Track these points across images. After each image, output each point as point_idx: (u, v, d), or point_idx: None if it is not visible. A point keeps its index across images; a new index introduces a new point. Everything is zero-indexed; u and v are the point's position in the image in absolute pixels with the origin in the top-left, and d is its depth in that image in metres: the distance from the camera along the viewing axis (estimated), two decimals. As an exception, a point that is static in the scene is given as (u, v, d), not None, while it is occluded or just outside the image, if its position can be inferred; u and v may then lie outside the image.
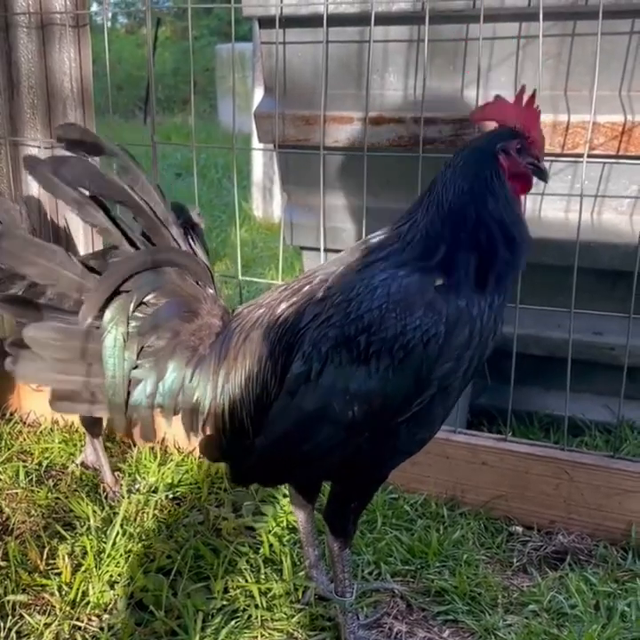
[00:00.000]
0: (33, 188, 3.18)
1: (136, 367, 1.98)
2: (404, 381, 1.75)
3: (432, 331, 1.73)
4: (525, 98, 1.92)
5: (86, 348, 1.97)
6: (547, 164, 2.64)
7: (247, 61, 7.02)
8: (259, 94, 6.51)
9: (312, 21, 2.82)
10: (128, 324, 1.96)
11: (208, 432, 2.02)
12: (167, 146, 6.73)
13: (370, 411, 1.77)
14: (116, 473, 2.85)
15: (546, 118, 2.55)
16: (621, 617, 2.14)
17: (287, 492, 2.66)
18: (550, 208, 2.79)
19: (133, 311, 1.97)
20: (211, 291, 2.08)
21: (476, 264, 1.79)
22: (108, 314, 1.95)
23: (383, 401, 1.76)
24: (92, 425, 2.80)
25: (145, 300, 1.99)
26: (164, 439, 3.04)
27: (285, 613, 2.17)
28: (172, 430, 2.98)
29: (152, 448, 3.00)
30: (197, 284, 2.07)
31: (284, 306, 1.92)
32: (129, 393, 1.99)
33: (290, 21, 2.87)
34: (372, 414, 1.78)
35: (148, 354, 1.98)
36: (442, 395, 1.81)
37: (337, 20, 2.77)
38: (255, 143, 6.26)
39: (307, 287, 1.92)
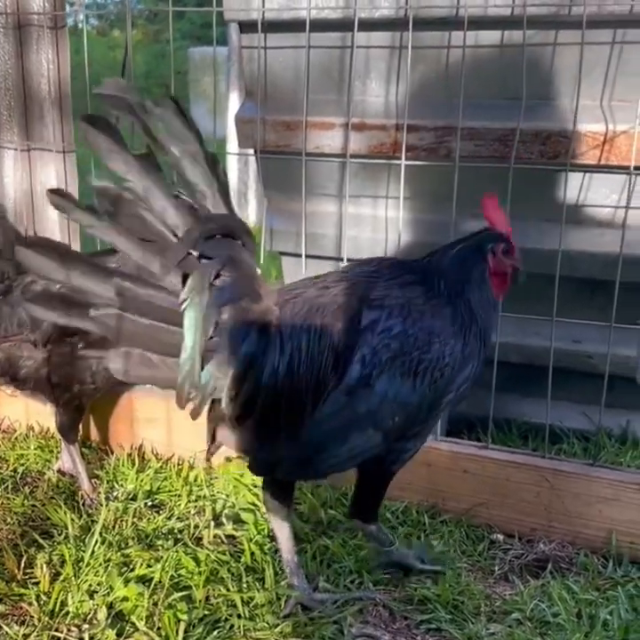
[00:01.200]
0: (9, 187, 3.15)
1: (210, 339, 1.91)
2: (433, 398, 2.01)
3: (458, 360, 2.02)
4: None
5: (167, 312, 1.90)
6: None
7: (221, 65, 7.00)
8: (233, 98, 6.51)
9: (294, 26, 2.81)
10: (209, 293, 1.89)
11: (253, 420, 1.98)
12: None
13: (405, 420, 2.00)
14: (93, 480, 2.82)
15: (527, 127, 2.58)
16: (603, 625, 2.14)
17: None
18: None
19: (213, 280, 1.91)
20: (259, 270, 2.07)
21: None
22: (189, 282, 1.88)
23: (416, 413, 2.01)
24: (68, 431, 2.76)
25: (222, 270, 1.92)
26: (141, 446, 3.01)
27: (268, 623, 2.15)
28: (150, 436, 2.99)
29: (130, 454, 2.97)
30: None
31: (329, 299, 2.01)
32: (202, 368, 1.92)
33: (272, 26, 2.86)
34: (405, 423, 2.01)
35: (223, 328, 1.92)
36: (435, 419, 2.13)
37: (319, 26, 2.76)
38: (230, 147, 6.28)
39: (344, 284, 2.04)
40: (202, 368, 1.92)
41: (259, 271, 2.05)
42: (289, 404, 1.96)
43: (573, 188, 2.67)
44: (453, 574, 2.35)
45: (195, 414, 2.04)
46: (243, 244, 2.00)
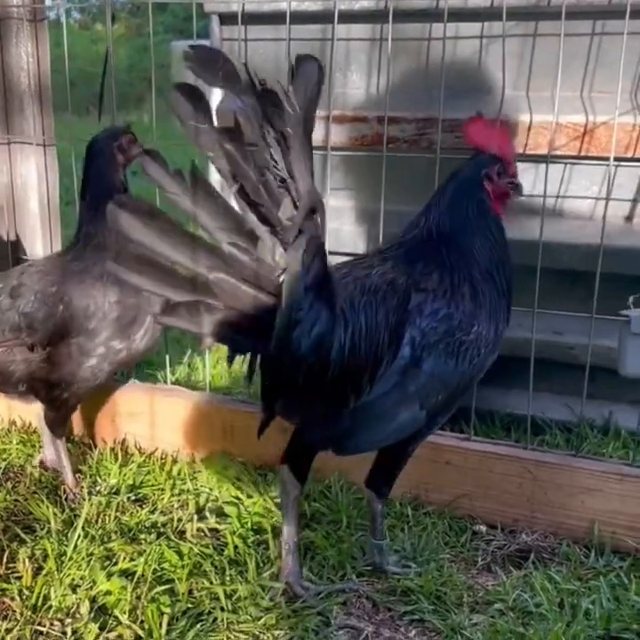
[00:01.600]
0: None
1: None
2: (470, 377, 2.12)
3: (492, 341, 2.11)
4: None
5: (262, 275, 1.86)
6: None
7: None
8: (216, 91, 6.48)
9: (274, 18, 2.81)
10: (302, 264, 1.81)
11: (318, 393, 2.01)
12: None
13: (446, 398, 2.08)
14: (76, 475, 2.80)
15: (509, 118, 2.58)
16: (585, 615, 2.14)
17: (251, 493, 2.65)
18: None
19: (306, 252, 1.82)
20: None
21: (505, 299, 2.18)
22: (291, 251, 1.80)
23: (454, 391, 2.10)
24: (58, 426, 2.75)
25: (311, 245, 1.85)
26: (124, 440, 3.00)
27: (251, 615, 2.15)
28: (133, 431, 2.99)
29: (113, 449, 2.97)
30: None
31: (378, 278, 2.08)
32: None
33: (252, 18, 2.86)
34: (445, 402, 2.10)
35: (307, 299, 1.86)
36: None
37: (299, 18, 2.76)
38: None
39: (388, 264, 2.12)
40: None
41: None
42: (351, 379, 2.02)
43: (554, 179, 2.67)
44: (436, 565, 2.35)
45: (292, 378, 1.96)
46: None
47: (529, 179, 2.73)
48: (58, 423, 2.75)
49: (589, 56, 2.59)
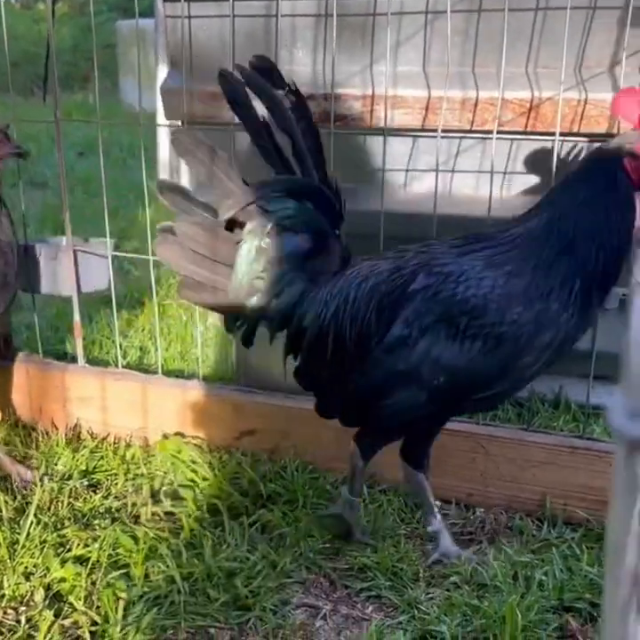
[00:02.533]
0: None
1: (258, 278, 2.19)
2: (490, 366, 2.02)
3: (524, 328, 1.97)
4: None
5: (219, 249, 2.20)
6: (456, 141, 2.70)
7: (149, 38, 6.85)
8: (162, 70, 6.39)
9: (218, -5, 2.77)
10: (262, 239, 2.16)
11: (305, 360, 2.24)
12: (68, 124, 6.55)
13: (453, 383, 2.05)
14: (27, 462, 2.77)
15: (455, 94, 2.58)
16: (539, 586, 2.18)
17: (207, 475, 2.64)
18: (461, 185, 2.81)
19: (269, 230, 2.16)
20: (337, 231, 2.26)
21: (580, 278, 1.98)
22: (248, 226, 2.17)
23: (466, 378, 2.04)
24: None
25: (282, 223, 2.17)
26: (76, 425, 2.97)
27: (209, 597, 2.15)
28: (85, 415, 2.96)
29: (66, 434, 2.93)
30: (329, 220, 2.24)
31: (394, 265, 2.14)
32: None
33: (195, -5, 2.81)
34: (454, 387, 2.06)
35: (269, 270, 2.18)
36: (515, 384, 2.10)
37: (244, -6, 2.72)
38: (160, 120, 6.17)
39: (410, 254, 2.16)
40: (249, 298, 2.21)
41: (336, 232, 2.25)
42: (333, 351, 2.16)
43: (502, 154, 2.68)
44: (392, 542, 2.37)
45: (244, 341, 2.33)
46: (317, 206, 2.21)
47: (476, 155, 2.75)
48: None
49: (534, 31, 2.59)
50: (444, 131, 2.55)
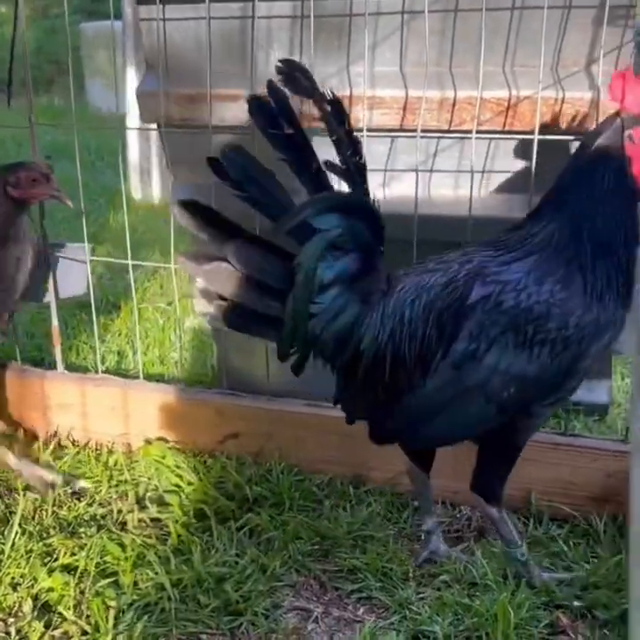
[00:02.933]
0: None
1: (314, 303, 2.06)
2: (557, 371, 2.00)
3: (587, 330, 1.97)
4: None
5: (272, 273, 2.07)
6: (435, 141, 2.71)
7: (115, 39, 6.81)
8: (131, 73, 6.36)
9: (193, -3, 2.75)
10: (315, 261, 2.03)
11: (360, 386, 2.13)
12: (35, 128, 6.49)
13: (523, 393, 2.02)
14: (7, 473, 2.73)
15: (433, 94, 2.59)
16: (528, 583, 2.19)
17: (192, 480, 2.62)
18: (440, 185, 2.82)
19: (325, 252, 2.04)
20: (381, 247, 2.15)
21: (620, 273, 1.99)
22: (304, 251, 2.02)
23: (536, 385, 2.01)
24: None
25: (334, 242, 2.04)
26: (56, 433, 2.94)
27: (199, 602, 2.14)
28: (65, 423, 2.93)
29: (46, 442, 2.90)
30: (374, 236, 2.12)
31: (444, 279, 2.07)
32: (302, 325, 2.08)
33: (170, -3, 2.79)
34: (524, 396, 2.03)
35: (325, 294, 2.07)
36: (576, 385, 2.10)
37: (219, -4, 2.71)
38: (130, 123, 6.13)
39: (456, 266, 2.09)
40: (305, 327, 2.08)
41: (380, 249, 2.14)
42: (392, 373, 2.08)
43: (480, 154, 2.69)
44: (381, 542, 2.37)
45: (296, 370, 2.18)
46: (364, 222, 2.09)
47: (455, 155, 2.76)
48: None
49: (511, 31, 2.60)
50: (422, 131, 2.56)
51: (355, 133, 2.12)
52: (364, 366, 2.11)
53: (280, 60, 2.11)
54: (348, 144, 2.08)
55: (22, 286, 2.65)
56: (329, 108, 2.07)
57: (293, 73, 2.09)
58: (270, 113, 2.05)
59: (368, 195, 2.13)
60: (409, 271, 2.18)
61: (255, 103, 2.07)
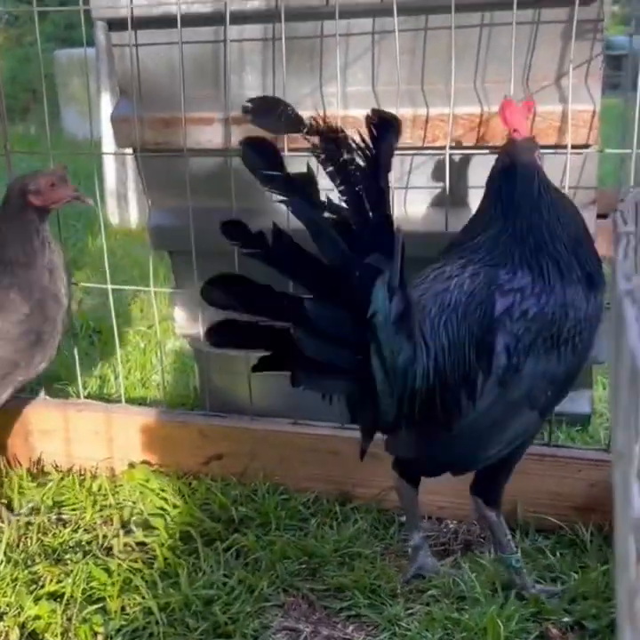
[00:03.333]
0: None
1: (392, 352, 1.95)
2: (578, 365, 2.10)
3: (592, 321, 2.07)
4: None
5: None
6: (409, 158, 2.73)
7: (89, 66, 6.84)
8: (105, 99, 6.38)
9: (165, 22, 2.77)
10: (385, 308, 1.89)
11: (418, 423, 2.05)
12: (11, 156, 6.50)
13: (556, 393, 2.09)
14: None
15: (405, 112, 2.61)
16: (517, 596, 2.19)
17: (177, 503, 2.61)
18: (414, 201, 2.84)
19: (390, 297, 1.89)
20: None
21: (588, 265, 2.10)
22: (374, 298, 1.88)
23: (564, 383, 2.10)
24: None
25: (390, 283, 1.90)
26: (39, 459, 2.93)
27: (188, 626, 2.13)
28: (48, 448, 2.92)
29: (28, 469, 2.89)
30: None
31: (464, 295, 2.05)
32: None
33: (142, 23, 2.81)
34: (557, 396, 2.11)
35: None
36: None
37: (191, 20, 2.72)
38: (105, 148, 6.16)
39: (467, 280, 2.08)
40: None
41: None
42: (444, 402, 2.03)
43: (453, 169, 2.71)
44: (368, 559, 2.37)
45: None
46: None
47: (428, 171, 2.78)
48: None
49: (480, 48, 2.63)
50: (397, 148, 2.57)
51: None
52: (420, 402, 2.02)
53: (249, 100, 1.98)
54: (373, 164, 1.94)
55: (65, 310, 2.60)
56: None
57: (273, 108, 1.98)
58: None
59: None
60: (414, 290, 2.10)
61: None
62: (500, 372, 2.00)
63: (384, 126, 1.94)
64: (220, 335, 1.97)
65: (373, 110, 1.96)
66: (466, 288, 2.06)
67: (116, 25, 2.91)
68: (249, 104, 1.95)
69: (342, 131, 1.92)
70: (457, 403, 2.02)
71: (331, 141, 1.91)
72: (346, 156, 1.90)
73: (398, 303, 1.91)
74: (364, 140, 1.92)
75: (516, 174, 2.15)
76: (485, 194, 2.25)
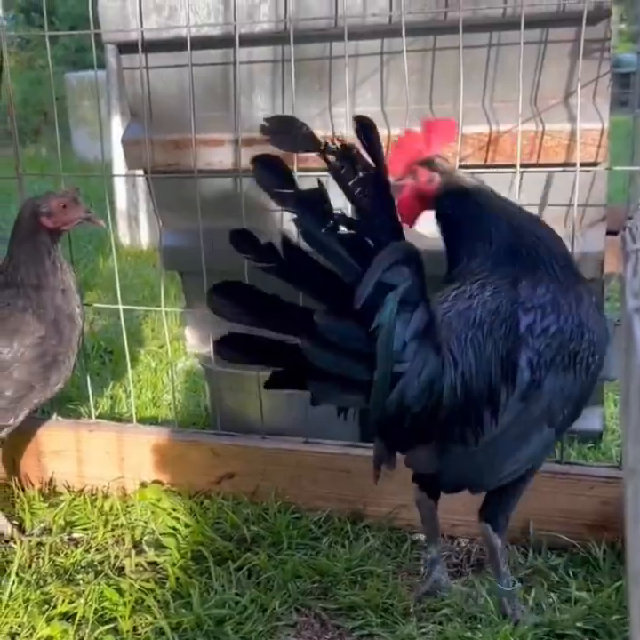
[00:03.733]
0: None
1: (400, 362, 1.92)
2: (591, 384, 2.11)
3: (604, 342, 2.10)
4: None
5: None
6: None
7: (99, 89, 6.90)
8: (116, 121, 6.43)
9: (175, 45, 2.80)
10: (392, 319, 1.88)
11: (437, 438, 2.04)
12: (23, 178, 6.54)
13: (572, 412, 2.09)
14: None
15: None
16: (511, 618, 2.16)
17: (189, 522, 2.61)
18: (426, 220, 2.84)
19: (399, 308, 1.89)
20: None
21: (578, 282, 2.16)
22: (382, 311, 1.87)
23: (579, 402, 2.10)
24: None
25: (407, 297, 1.89)
26: (51, 480, 2.94)
27: (200, 646, 2.13)
28: (60, 469, 2.92)
29: (40, 489, 2.90)
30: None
31: (488, 313, 2.06)
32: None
33: (152, 46, 2.84)
34: (572, 415, 2.10)
35: (407, 351, 1.92)
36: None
37: (200, 43, 2.75)
38: (116, 170, 6.21)
39: (488, 297, 2.08)
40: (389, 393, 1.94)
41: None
42: (467, 418, 2.02)
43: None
44: (380, 578, 2.36)
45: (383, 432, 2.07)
46: (421, 270, 1.95)
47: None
48: None
49: (488, 67, 2.65)
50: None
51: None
52: (446, 418, 2.00)
53: (266, 119, 1.96)
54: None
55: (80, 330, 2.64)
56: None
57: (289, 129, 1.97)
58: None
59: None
60: (436, 307, 2.08)
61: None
62: (524, 388, 2.01)
63: (365, 128, 1.96)
64: (229, 348, 1.98)
65: (353, 117, 1.99)
66: (489, 306, 2.07)
67: (126, 48, 2.94)
68: (266, 123, 1.95)
69: (355, 147, 1.93)
70: (480, 418, 2.02)
71: (345, 159, 1.92)
72: (361, 173, 1.91)
73: (421, 317, 1.93)
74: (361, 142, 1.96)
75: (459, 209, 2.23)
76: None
